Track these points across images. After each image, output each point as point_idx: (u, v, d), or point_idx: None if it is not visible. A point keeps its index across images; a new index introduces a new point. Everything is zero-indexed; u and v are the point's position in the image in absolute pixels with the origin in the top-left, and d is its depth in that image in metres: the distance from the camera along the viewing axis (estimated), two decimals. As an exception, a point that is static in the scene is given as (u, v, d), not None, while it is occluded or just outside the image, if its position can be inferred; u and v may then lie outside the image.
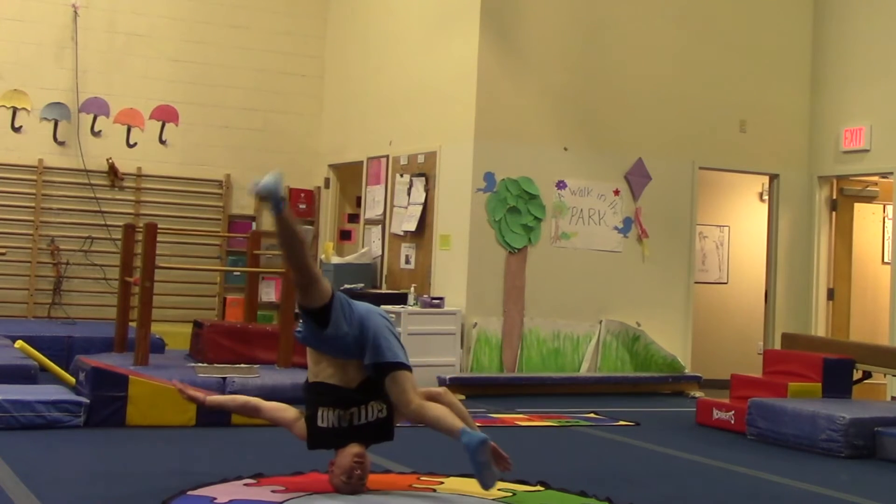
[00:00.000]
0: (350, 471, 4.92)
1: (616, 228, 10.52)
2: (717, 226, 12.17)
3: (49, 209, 11.93)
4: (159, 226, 8.91)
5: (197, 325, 9.34)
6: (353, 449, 4.95)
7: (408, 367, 5.07)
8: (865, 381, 8.74)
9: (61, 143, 11.97)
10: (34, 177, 11.86)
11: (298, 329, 5.13)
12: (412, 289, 10.16)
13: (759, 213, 11.93)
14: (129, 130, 12.29)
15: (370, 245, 11.45)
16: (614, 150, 10.54)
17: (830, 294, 11.13)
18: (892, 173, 10.50)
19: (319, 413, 5.01)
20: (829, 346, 8.89)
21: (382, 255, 11.16)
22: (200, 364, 8.73)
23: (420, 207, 10.53)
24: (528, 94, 10.22)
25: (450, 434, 4.97)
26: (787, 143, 11.26)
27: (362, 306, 5.16)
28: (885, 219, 11.55)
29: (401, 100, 11.29)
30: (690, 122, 10.87)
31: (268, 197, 4.77)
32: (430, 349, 9.52)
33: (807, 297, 11.12)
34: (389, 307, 9.19)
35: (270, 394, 8.01)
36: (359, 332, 5.01)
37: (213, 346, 8.94)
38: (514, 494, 5.23)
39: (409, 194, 10.75)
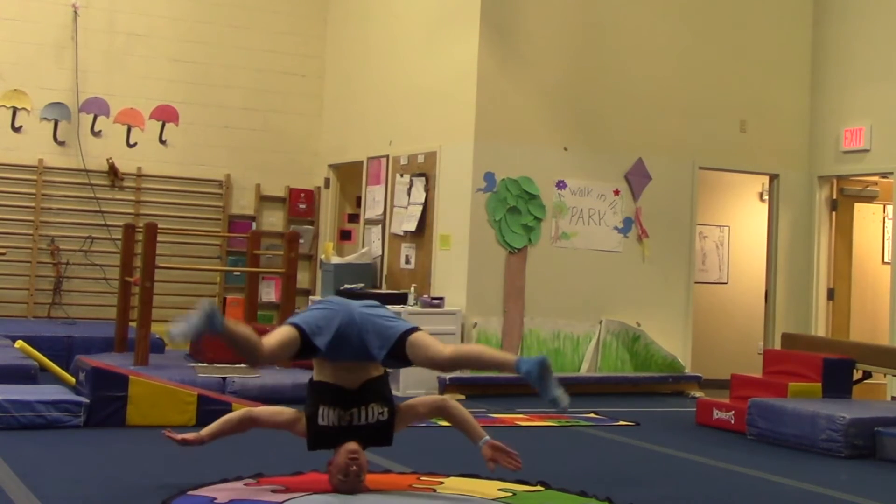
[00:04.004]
0: (346, 467, 4.92)
1: (616, 228, 10.52)
2: (717, 226, 12.17)
3: (49, 209, 11.91)
4: (159, 226, 8.92)
5: (197, 325, 9.32)
6: (348, 446, 4.95)
7: (415, 329, 5.09)
8: (865, 381, 8.74)
9: (61, 143, 11.96)
10: (34, 177, 11.85)
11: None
12: (412, 289, 10.16)
13: (759, 213, 11.92)
14: (129, 130, 12.28)
15: (370, 245, 11.45)
16: (614, 150, 10.53)
17: (830, 294, 11.13)
18: (892, 173, 10.50)
19: (320, 411, 5.01)
20: (830, 346, 8.88)
21: (382, 255, 11.16)
22: (200, 364, 8.74)
23: (420, 207, 10.52)
24: (527, 95, 10.22)
25: (502, 367, 4.90)
26: (787, 143, 11.26)
27: (341, 312, 5.11)
28: (885, 219, 11.55)
29: (401, 100, 11.29)
30: (690, 122, 10.87)
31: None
32: (430, 349, 9.49)
33: (807, 297, 11.12)
34: (390, 307, 9.14)
35: (271, 394, 8.08)
36: (348, 336, 5.03)
37: (213, 346, 8.93)
38: (514, 494, 5.23)
39: (409, 194, 10.74)
